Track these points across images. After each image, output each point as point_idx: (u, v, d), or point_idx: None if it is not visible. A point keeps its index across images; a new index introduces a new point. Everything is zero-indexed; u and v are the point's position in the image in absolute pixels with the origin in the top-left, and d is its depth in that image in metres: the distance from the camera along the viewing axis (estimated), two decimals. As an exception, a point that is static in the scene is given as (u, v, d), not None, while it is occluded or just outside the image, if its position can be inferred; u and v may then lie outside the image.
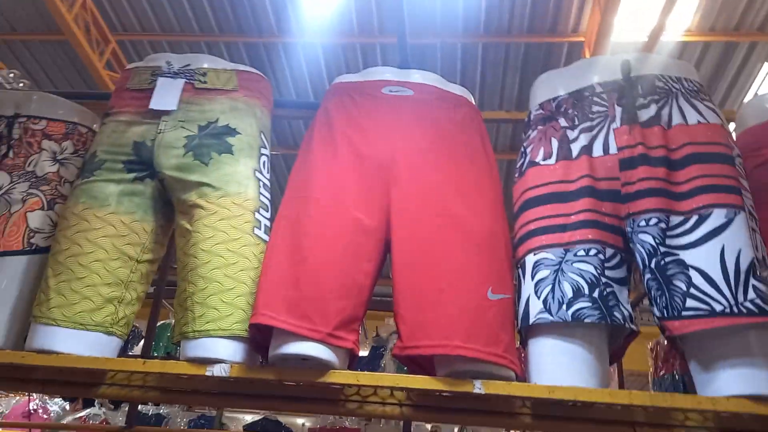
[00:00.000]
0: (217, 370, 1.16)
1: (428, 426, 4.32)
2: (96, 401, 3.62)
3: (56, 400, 3.80)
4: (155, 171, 1.32)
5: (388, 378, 1.11)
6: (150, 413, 3.56)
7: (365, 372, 1.12)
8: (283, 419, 3.81)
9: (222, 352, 1.17)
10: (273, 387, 1.34)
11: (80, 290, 1.23)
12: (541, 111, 1.36)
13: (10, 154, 1.42)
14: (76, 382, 1.36)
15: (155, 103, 1.33)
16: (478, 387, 1.08)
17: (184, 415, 3.54)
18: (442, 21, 5.71)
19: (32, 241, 1.35)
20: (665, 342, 3.18)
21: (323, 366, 1.14)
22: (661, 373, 3.13)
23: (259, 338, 1.21)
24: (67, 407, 3.83)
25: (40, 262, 1.34)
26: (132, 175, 1.32)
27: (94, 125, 1.57)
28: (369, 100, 1.39)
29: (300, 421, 4.58)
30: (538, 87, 1.42)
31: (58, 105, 1.53)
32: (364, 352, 3.92)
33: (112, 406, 3.73)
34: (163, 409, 3.61)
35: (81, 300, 1.22)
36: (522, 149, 1.37)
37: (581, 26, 5.83)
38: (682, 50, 5.76)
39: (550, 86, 1.39)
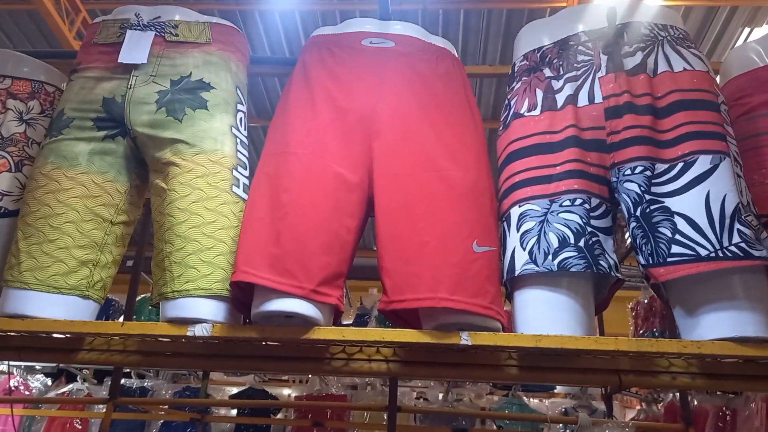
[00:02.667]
0: (198, 330, 1.13)
1: (414, 393, 4.38)
2: (78, 377, 3.58)
3: (38, 376, 3.75)
4: (127, 128, 1.26)
5: (374, 332, 1.10)
6: (134, 386, 3.53)
7: (351, 327, 1.10)
8: (270, 390, 3.82)
9: (203, 311, 1.14)
10: (256, 348, 1.33)
11: (52, 253, 1.18)
12: (525, 62, 1.33)
13: (-27, 115, 1.35)
14: (54, 348, 1.33)
15: (124, 57, 1.27)
16: (465, 338, 1.07)
17: (169, 387, 3.52)
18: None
19: (0, 204, 1.29)
20: (645, 301, 3.24)
21: (307, 323, 1.12)
22: (641, 332, 3.20)
23: (241, 297, 1.18)
24: (49, 383, 3.78)
25: (10, 225, 1.29)
26: (102, 133, 1.27)
27: (63, 84, 1.50)
28: (348, 53, 1.34)
29: (286, 391, 4.61)
30: (522, 37, 1.38)
31: (23, 63, 1.46)
32: (348, 321, 3.92)
33: (95, 381, 3.69)
34: (147, 382, 3.59)
35: (53, 263, 1.18)
36: (506, 102, 1.34)
37: (564, -9, 5.76)
38: (662, 15, 5.72)
39: (535, 36, 1.35)
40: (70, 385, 3.56)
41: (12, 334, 1.28)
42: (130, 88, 1.27)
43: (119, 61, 1.27)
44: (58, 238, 1.19)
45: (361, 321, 3.85)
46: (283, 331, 1.12)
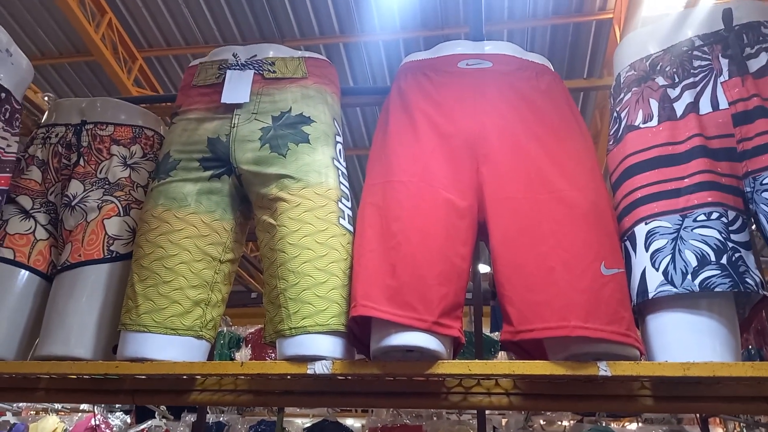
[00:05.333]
0: (319, 368, 1.10)
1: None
2: (156, 413, 3.62)
3: (117, 414, 3.82)
4: (232, 167, 1.27)
5: (503, 365, 1.04)
6: (210, 422, 3.55)
7: (477, 361, 1.04)
8: (341, 420, 3.76)
9: (321, 348, 1.11)
10: (367, 384, 1.29)
11: (168, 294, 1.18)
12: (632, 72, 1.28)
13: (81, 162, 1.39)
14: (167, 389, 1.32)
15: (227, 97, 1.28)
16: (604, 369, 1.00)
17: (245, 422, 3.52)
18: (465, 9, 5.60)
19: (112, 248, 1.31)
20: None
21: (430, 357, 1.07)
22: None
23: (356, 331, 1.15)
24: (128, 420, 3.85)
25: (122, 269, 1.30)
26: (209, 173, 1.28)
27: (159, 127, 1.54)
28: (445, 76, 1.32)
29: (357, 422, 4.54)
30: (625, 47, 1.33)
31: (122, 109, 1.50)
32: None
33: (172, 417, 3.73)
34: (222, 417, 3.60)
35: (170, 304, 1.18)
36: (615, 114, 1.28)
37: (608, 3, 5.66)
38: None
39: (639, 45, 1.30)
40: (149, 422, 3.61)
41: (127, 377, 1.28)
42: (234, 126, 1.28)
43: (222, 101, 1.28)
44: (173, 279, 1.20)
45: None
46: (407, 367, 1.08)
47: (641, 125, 1.20)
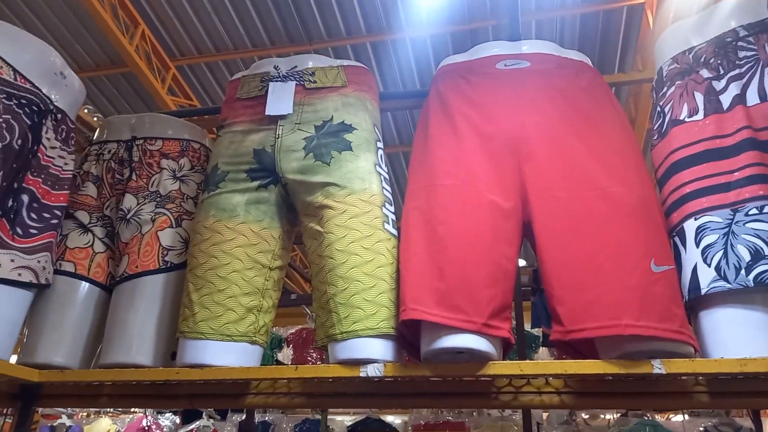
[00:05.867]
0: (371, 371, 1.13)
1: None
2: (204, 413, 3.73)
3: (167, 415, 3.95)
4: (278, 176, 1.31)
5: (556, 365, 1.04)
6: (256, 421, 3.63)
7: (528, 361, 1.05)
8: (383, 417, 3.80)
9: (373, 351, 1.14)
10: (417, 385, 1.31)
11: (223, 302, 1.23)
12: (675, 65, 1.26)
13: (133, 177, 1.45)
14: (223, 393, 1.37)
15: (271, 109, 1.32)
16: (658, 367, 1.00)
17: (289, 420, 3.59)
18: (493, 3, 5.56)
19: (166, 258, 1.36)
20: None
21: (480, 358, 1.09)
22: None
23: (405, 334, 1.17)
24: (177, 421, 3.97)
25: (176, 278, 1.36)
26: (256, 183, 1.32)
27: (204, 140, 1.59)
28: (484, 78, 1.32)
29: (398, 420, 4.57)
30: (666, 41, 1.31)
31: (169, 124, 1.55)
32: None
33: (219, 417, 3.83)
34: (268, 416, 3.68)
35: (225, 311, 1.22)
36: (657, 109, 1.27)
37: (639, -11, 5.53)
38: None
39: (680, 37, 1.28)
40: (198, 422, 3.72)
41: (185, 382, 1.34)
42: (278, 137, 1.31)
43: (267, 113, 1.31)
44: (227, 287, 1.24)
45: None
46: (458, 368, 1.10)
47: (687, 119, 1.18)
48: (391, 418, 5.31)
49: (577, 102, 1.25)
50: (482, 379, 1.24)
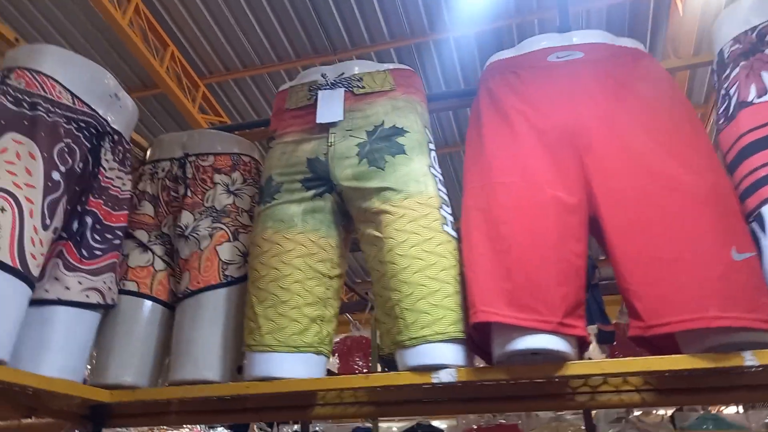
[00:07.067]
0: (444, 376, 1.11)
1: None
2: (255, 425, 3.75)
3: (219, 429, 3.99)
4: (332, 184, 1.30)
5: (639, 363, 1.00)
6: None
7: (609, 359, 1.02)
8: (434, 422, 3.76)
9: (444, 356, 1.12)
10: (487, 388, 1.28)
11: (287, 313, 1.22)
12: (738, 45, 1.21)
13: (188, 193, 1.46)
14: (290, 405, 1.37)
15: (322, 117, 1.31)
16: (750, 359, 0.95)
17: (340, 429, 3.59)
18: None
19: (227, 273, 1.37)
20: None
21: (557, 358, 1.06)
22: None
23: (475, 337, 1.15)
24: (227, 433, 4.00)
25: (237, 292, 1.36)
26: (311, 192, 1.31)
27: (253, 152, 1.59)
28: (535, 72, 1.30)
29: (445, 423, 4.52)
30: (725, 21, 1.26)
31: (219, 139, 1.56)
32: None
33: (269, 429, 3.85)
34: (317, 426, 3.68)
35: (290, 323, 1.22)
36: (722, 92, 1.22)
37: (667, -23, 5.40)
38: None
39: (740, 17, 1.23)
40: (248, 435, 3.74)
41: (252, 396, 1.33)
42: (331, 145, 1.31)
43: (318, 121, 1.31)
44: (290, 298, 1.23)
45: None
46: (534, 370, 1.07)
47: (755, 100, 1.14)
48: (437, 423, 5.26)
49: (636, 90, 1.21)
50: (555, 380, 1.21)
